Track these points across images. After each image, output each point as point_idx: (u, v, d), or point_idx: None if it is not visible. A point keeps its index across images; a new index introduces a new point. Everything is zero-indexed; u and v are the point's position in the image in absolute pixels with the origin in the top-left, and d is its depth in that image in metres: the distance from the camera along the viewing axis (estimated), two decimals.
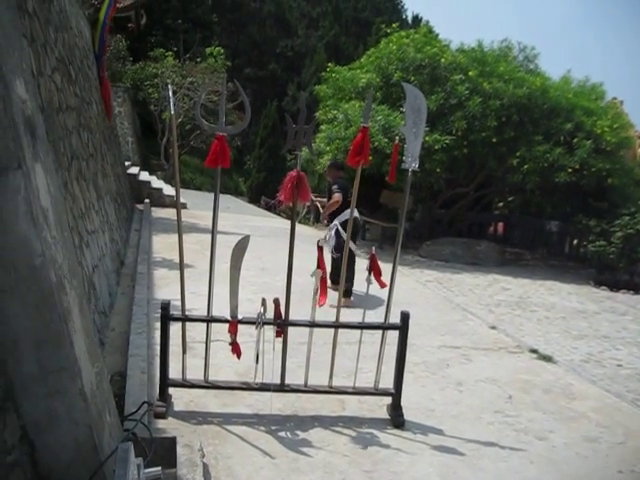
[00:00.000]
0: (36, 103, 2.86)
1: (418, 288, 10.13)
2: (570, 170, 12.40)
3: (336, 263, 7.98)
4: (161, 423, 4.12)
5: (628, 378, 6.33)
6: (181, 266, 4.47)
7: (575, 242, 15.84)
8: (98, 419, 2.84)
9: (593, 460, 4.36)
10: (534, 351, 6.88)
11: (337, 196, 7.99)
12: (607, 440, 4.71)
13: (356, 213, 8.06)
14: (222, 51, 25.80)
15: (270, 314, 4.41)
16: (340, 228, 7.62)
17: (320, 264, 4.52)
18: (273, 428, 4.34)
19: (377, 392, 4.77)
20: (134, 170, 18.25)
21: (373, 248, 4.89)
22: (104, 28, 9.79)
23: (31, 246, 2.50)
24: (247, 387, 4.64)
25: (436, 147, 12.16)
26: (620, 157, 13.49)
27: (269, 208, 25.18)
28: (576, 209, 13.70)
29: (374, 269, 4.69)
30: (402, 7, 53.63)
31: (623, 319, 9.23)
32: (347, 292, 7.91)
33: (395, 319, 4.63)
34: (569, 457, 4.37)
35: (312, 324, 4.59)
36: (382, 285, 4.66)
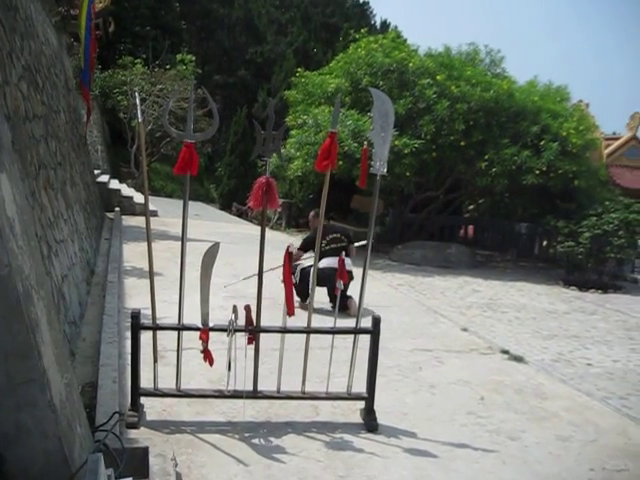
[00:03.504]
0: (1, 112, 2.84)
1: (390, 292, 10.17)
2: (537, 172, 12.56)
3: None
4: (133, 433, 4.09)
5: (598, 377, 6.41)
6: (151, 274, 4.44)
7: (544, 243, 16.05)
8: (68, 430, 2.82)
9: (565, 459, 4.40)
10: (505, 352, 6.94)
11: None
12: (579, 439, 4.76)
13: (332, 263, 7.65)
14: (193, 58, 25.77)
15: (242, 321, 4.40)
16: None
17: (286, 271, 4.53)
18: (246, 435, 4.33)
19: (350, 397, 4.77)
20: (104, 178, 18.12)
21: (343, 253, 4.90)
22: (88, 40, 9.39)
23: None
24: (220, 395, 4.62)
25: (405, 151, 12.22)
26: (586, 159, 13.69)
27: (240, 214, 25.14)
28: (544, 211, 13.87)
29: (341, 273, 4.73)
30: (371, 13, 53.78)
31: (592, 318, 9.36)
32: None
33: (367, 323, 4.65)
34: (542, 456, 4.40)
35: (284, 330, 4.59)
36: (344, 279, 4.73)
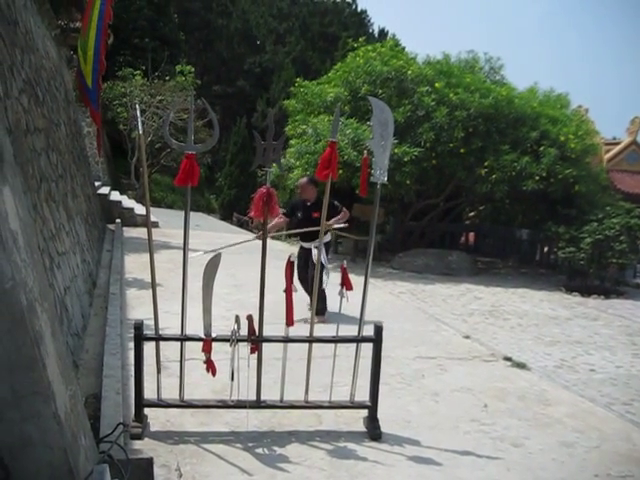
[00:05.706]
0: (3, 125, 2.85)
1: (391, 300, 10.17)
2: (537, 178, 12.55)
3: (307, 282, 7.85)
4: (137, 444, 4.08)
5: (601, 382, 6.41)
6: (153, 285, 4.46)
7: (545, 249, 16.03)
8: (73, 442, 2.82)
9: (569, 465, 4.40)
10: (508, 359, 6.93)
11: (345, 212, 7.77)
12: (583, 445, 4.76)
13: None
14: (192, 69, 25.85)
15: (244, 331, 4.40)
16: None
17: (288, 280, 4.53)
18: (250, 445, 4.33)
19: (353, 405, 4.78)
20: (105, 190, 18.15)
21: (344, 262, 4.92)
22: (97, 57, 9.02)
23: (1, 270, 2.48)
24: (223, 405, 4.63)
25: (405, 159, 12.23)
26: (586, 164, 13.70)
27: (242, 224, 25.15)
28: (545, 217, 13.86)
29: (345, 282, 4.74)
30: (369, 21, 54.08)
31: (595, 324, 9.35)
32: (322, 310, 7.85)
33: (369, 332, 4.65)
34: (545, 463, 4.40)
35: (286, 339, 4.60)
36: (348, 287, 4.74)
